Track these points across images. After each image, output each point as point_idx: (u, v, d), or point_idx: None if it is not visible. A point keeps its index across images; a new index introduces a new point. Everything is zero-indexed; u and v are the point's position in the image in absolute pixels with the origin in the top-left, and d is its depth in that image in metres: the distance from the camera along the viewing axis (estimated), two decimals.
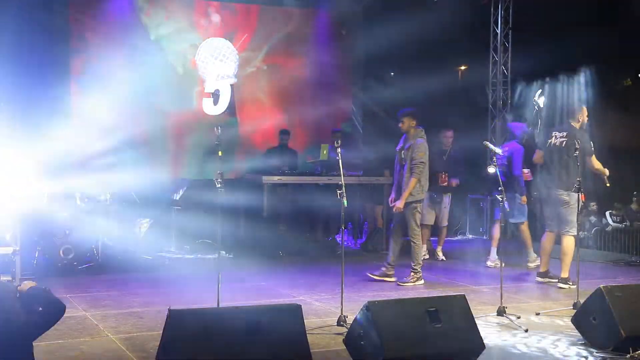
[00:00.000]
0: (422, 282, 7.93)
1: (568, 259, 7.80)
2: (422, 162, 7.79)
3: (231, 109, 11.61)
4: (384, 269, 8.08)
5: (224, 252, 9.15)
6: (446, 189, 9.88)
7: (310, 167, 10.79)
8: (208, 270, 8.47)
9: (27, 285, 4.13)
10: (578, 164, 7.18)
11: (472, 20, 12.49)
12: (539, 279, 8.20)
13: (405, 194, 7.80)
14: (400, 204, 7.82)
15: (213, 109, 11.50)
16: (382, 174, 10.55)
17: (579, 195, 7.03)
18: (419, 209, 7.93)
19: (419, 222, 8.00)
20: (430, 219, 9.84)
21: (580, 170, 7.19)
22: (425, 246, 9.73)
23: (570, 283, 7.70)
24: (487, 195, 11.72)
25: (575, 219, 7.55)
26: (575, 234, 7.60)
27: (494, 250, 9.44)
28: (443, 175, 9.71)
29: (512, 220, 9.32)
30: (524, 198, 9.23)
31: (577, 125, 7.89)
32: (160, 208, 10.45)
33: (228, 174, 9.79)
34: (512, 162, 9.13)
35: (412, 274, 7.93)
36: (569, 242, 7.80)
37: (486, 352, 5.05)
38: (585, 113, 7.97)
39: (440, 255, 9.88)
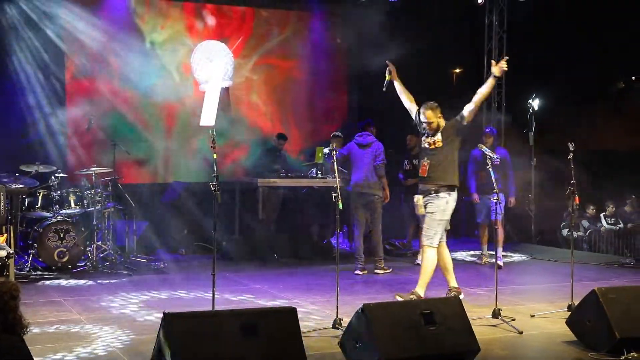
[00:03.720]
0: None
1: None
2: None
3: (227, 112, 11.59)
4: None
5: (218, 255, 9.15)
6: None
7: (305, 169, 10.78)
8: (203, 273, 8.45)
9: None
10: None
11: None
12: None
13: None
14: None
15: (209, 113, 11.48)
16: None
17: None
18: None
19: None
20: None
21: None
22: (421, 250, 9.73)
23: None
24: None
25: None
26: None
27: (486, 248, 9.76)
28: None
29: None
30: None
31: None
32: (156, 211, 10.44)
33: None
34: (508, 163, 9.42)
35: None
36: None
37: (481, 355, 5.07)
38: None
39: None
